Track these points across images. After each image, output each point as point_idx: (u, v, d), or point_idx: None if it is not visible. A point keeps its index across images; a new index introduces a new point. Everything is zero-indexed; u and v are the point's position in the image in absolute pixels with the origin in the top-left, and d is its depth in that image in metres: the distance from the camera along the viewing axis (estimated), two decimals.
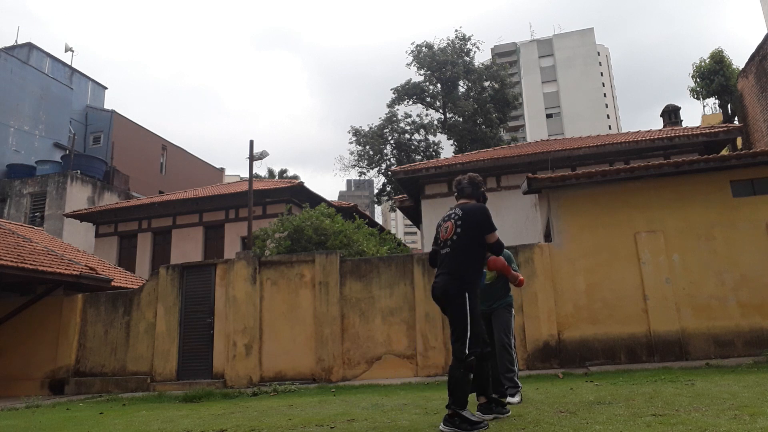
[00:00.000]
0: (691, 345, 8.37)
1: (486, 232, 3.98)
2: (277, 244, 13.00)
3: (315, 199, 18.72)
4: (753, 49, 16.66)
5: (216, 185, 26.38)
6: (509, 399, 4.88)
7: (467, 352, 3.74)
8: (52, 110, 26.75)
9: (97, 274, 11.79)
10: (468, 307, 3.83)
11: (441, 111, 33.05)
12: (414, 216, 21.08)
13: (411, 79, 33.53)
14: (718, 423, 3.19)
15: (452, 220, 4.06)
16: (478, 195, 4.28)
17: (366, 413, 4.87)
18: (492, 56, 56.91)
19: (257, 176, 30.22)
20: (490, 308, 5.24)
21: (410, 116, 32.81)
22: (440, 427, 3.69)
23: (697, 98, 20.06)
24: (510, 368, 5.08)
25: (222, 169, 38.60)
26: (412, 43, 47.59)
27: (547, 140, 22.11)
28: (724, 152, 14.90)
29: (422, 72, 32.93)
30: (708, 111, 25.11)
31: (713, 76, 19.14)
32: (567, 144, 17.35)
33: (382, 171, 31.86)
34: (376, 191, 34.41)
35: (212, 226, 19.86)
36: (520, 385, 5.13)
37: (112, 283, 12.07)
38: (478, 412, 4.04)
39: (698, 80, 19.58)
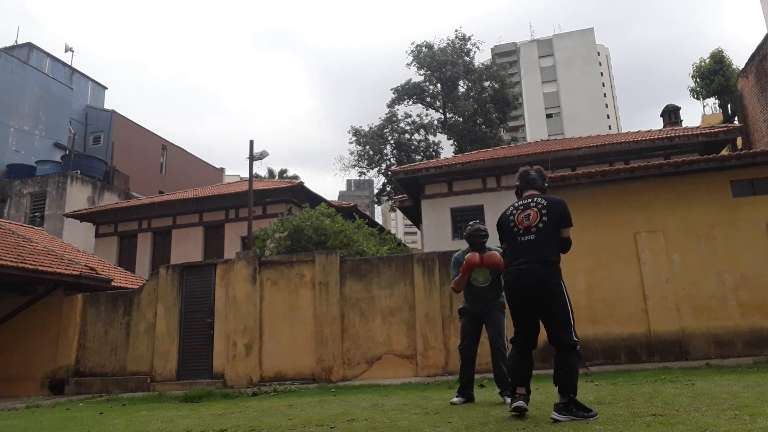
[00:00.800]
0: (691, 345, 8.37)
1: (565, 225, 4.01)
2: (277, 244, 13.01)
3: (315, 199, 18.72)
4: (753, 49, 16.67)
5: (216, 185, 26.40)
6: (507, 400, 4.89)
7: (576, 339, 3.80)
8: (52, 110, 26.75)
9: (97, 274, 11.79)
10: (566, 295, 3.88)
11: (441, 111, 33.05)
12: (414, 216, 21.09)
13: (411, 79, 33.57)
14: (718, 423, 3.18)
15: (535, 209, 4.02)
16: (544, 188, 4.31)
17: (366, 413, 4.87)
18: (492, 56, 56.90)
19: (257, 176, 30.22)
20: (484, 310, 5.27)
21: (410, 116, 32.85)
22: (554, 416, 3.61)
23: (697, 98, 20.07)
24: (506, 371, 5.09)
25: (222, 169, 38.60)
26: (412, 43, 47.62)
27: (547, 140, 22.14)
28: (724, 152, 14.90)
29: (422, 72, 32.95)
30: (708, 111, 25.14)
31: (713, 76, 19.14)
32: (567, 144, 17.37)
33: (382, 171, 31.87)
34: (376, 191, 34.42)
35: (212, 226, 19.87)
36: None
37: (112, 283, 12.07)
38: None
39: (698, 80, 19.58)
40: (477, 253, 5.08)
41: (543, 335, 4.00)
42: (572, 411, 3.62)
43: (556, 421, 3.58)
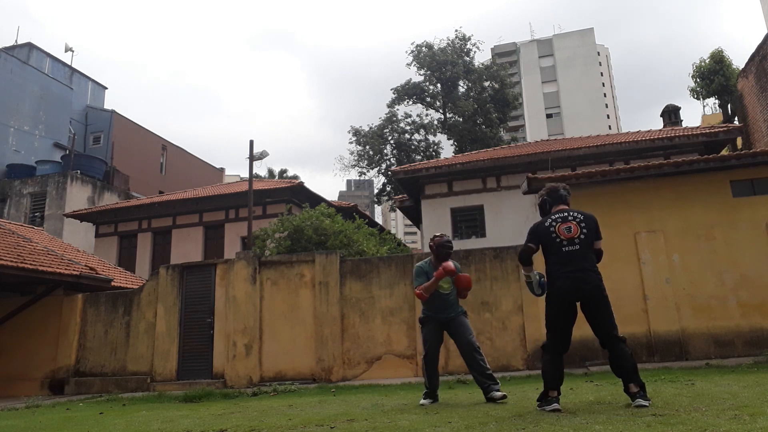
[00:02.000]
0: (691, 345, 8.37)
1: (598, 238, 4.45)
2: (277, 244, 13.00)
3: (315, 199, 18.72)
4: (752, 50, 16.66)
5: (216, 185, 26.39)
6: (495, 394, 5.04)
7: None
8: (52, 110, 26.75)
9: (97, 274, 11.79)
10: None
11: (441, 111, 33.04)
12: (414, 216, 21.08)
13: (411, 79, 33.55)
14: (718, 423, 3.18)
15: (575, 221, 4.39)
16: (569, 203, 4.68)
17: (366, 413, 4.87)
18: (492, 56, 56.90)
19: (257, 176, 30.21)
20: (449, 316, 5.40)
21: (410, 116, 32.83)
22: (641, 402, 3.89)
23: (697, 98, 20.07)
24: (486, 367, 5.24)
25: (222, 169, 38.59)
26: (412, 43, 47.59)
27: (547, 140, 22.13)
28: (724, 152, 14.90)
29: (422, 72, 32.93)
30: (708, 111, 25.14)
31: (713, 76, 19.14)
32: (567, 144, 17.36)
33: (382, 171, 31.85)
34: (376, 191, 34.40)
35: (212, 226, 19.86)
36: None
37: (112, 283, 12.07)
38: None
39: (698, 80, 19.58)
40: (452, 263, 5.26)
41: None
42: (646, 396, 3.96)
43: (642, 406, 3.85)
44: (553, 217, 4.47)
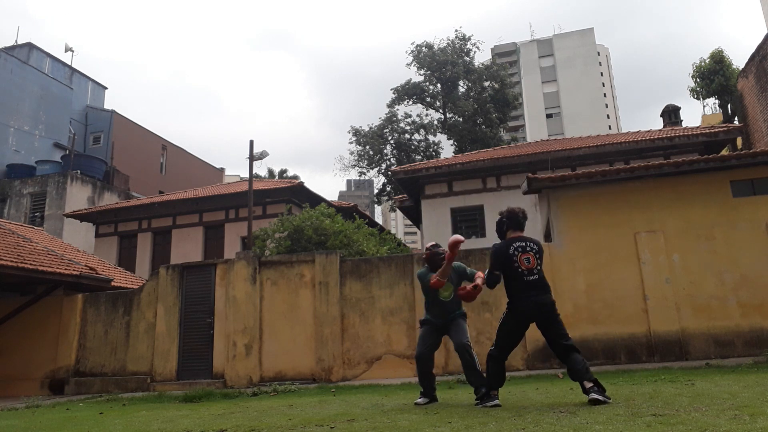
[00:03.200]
0: (691, 345, 8.36)
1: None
2: (277, 244, 13.01)
3: (315, 199, 18.72)
4: (752, 50, 16.66)
5: (216, 185, 26.39)
6: (494, 401, 5.00)
7: None
8: (52, 110, 26.75)
9: (97, 274, 11.79)
10: None
11: (441, 111, 33.05)
12: (414, 216, 21.10)
13: (411, 79, 33.57)
14: (718, 423, 3.19)
15: (531, 252, 4.84)
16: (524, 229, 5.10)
17: (366, 413, 4.88)
18: (492, 56, 56.90)
19: (257, 176, 30.20)
20: (447, 320, 5.60)
21: (410, 116, 32.84)
22: (597, 396, 4.30)
23: (697, 98, 20.08)
24: (479, 368, 5.32)
25: (222, 169, 38.61)
26: (412, 43, 47.57)
27: (547, 140, 22.14)
28: (724, 152, 14.90)
29: (422, 72, 32.94)
30: (708, 111, 25.15)
31: (713, 76, 19.15)
32: (567, 144, 17.37)
33: (382, 171, 31.86)
34: (376, 191, 34.41)
35: (212, 226, 19.87)
36: None
37: (112, 283, 12.07)
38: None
39: (698, 80, 19.59)
40: (458, 237, 5.28)
41: (539, 339, 3.99)
42: (601, 391, 4.37)
43: (597, 401, 4.27)
44: (514, 245, 4.86)
